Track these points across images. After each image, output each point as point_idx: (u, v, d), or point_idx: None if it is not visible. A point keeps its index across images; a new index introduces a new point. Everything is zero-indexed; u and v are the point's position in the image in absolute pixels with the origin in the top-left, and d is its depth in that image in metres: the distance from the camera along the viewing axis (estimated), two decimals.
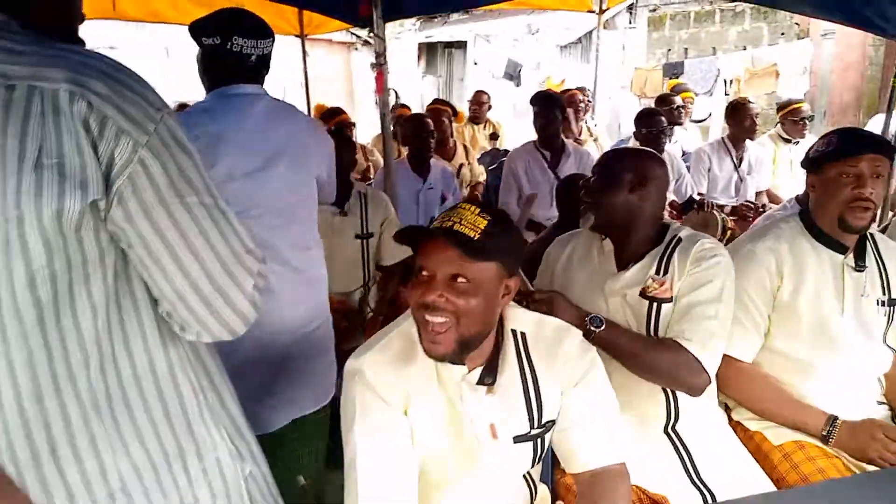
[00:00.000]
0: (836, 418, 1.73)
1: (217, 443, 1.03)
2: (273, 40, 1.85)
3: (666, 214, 4.06)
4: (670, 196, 4.06)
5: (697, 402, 1.67)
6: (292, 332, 1.88)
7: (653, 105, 5.04)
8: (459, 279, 1.20)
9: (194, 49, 1.85)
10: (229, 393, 1.10)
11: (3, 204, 0.78)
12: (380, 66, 3.03)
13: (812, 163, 1.82)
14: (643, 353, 1.56)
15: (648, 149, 2.14)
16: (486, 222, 1.21)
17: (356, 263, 2.96)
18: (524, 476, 1.38)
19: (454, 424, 1.29)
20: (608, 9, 6.30)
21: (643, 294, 1.66)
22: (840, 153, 1.73)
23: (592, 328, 1.52)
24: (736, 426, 1.85)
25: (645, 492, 1.63)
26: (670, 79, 6.83)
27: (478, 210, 1.23)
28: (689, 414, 1.69)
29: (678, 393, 1.67)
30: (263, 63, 1.84)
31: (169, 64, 9.62)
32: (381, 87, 3.08)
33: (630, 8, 10.37)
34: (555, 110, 3.81)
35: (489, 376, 1.30)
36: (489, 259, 1.21)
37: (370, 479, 1.20)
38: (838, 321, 1.76)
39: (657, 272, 1.67)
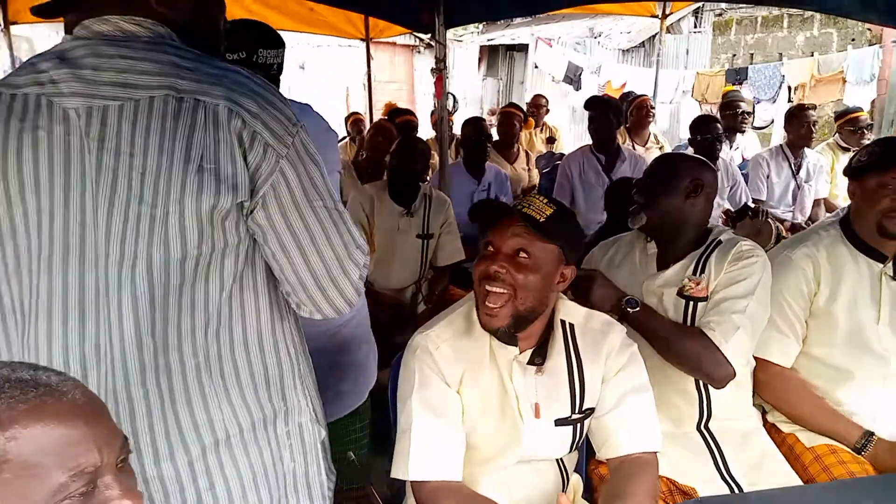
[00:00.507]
0: (871, 434, 1.76)
1: (303, 408, 1.18)
2: (284, 48, 1.95)
3: (720, 221, 4.09)
4: (725, 203, 4.06)
5: (730, 402, 1.74)
6: (330, 327, 2.00)
7: (716, 111, 5.02)
8: (522, 254, 1.33)
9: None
10: (309, 366, 1.26)
11: (168, 197, 0.96)
12: (439, 71, 3.17)
13: (854, 171, 1.85)
14: (672, 337, 1.64)
15: (701, 157, 2.19)
16: (552, 210, 1.34)
17: (415, 262, 3.10)
18: (557, 462, 1.48)
19: (501, 401, 1.40)
20: (671, 13, 6.29)
21: (680, 293, 1.74)
22: (881, 163, 1.76)
23: (628, 308, 1.62)
24: (770, 428, 1.90)
25: (675, 483, 1.71)
26: (731, 84, 6.75)
27: (546, 199, 1.36)
28: (722, 413, 1.76)
29: (711, 393, 1.74)
30: (280, 71, 1.96)
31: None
32: (440, 92, 3.21)
33: (696, 12, 10.24)
34: (609, 114, 3.88)
35: (539, 357, 1.42)
36: (551, 240, 1.34)
37: (422, 447, 1.32)
38: (874, 329, 1.79)
39: (694, 272, 1.74)
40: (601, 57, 10.42)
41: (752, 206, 4.00)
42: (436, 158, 4.96)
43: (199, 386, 1.05)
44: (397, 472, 1.34)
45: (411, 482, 1.34)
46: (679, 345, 1.63)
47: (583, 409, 1.44)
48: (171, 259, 0.99)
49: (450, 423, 1.36)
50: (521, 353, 1.41)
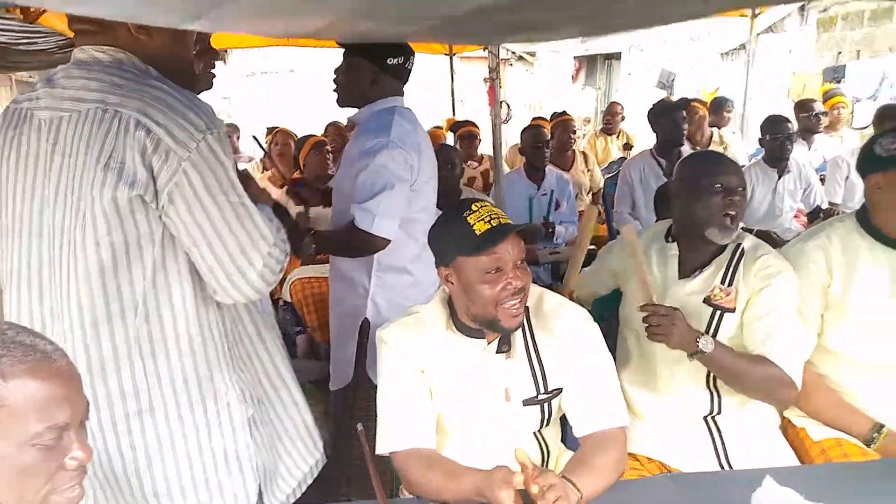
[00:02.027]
0: (882, 426, 1.73)
1: (229, 389, 1.39)
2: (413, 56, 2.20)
3: (797, 222, 3.96)
4: (798, 205, 3.93)
5: (742, 397, 1.76)
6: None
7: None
8: (521, 262, 1.44)
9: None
10: (266, 351, 1.49)
11: (81, 189, 1.21)
12: (491, 80, 3.30)
13: (880, 162, 1.78)
14: (745, 371, 1.64)
15: (729, 157, 2.15)
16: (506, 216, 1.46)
17: None
18: (536, 435, 1.58)
19: (471, 386, 1.52)
20: (760, 13, 6.08)
21: (707, 301, 1.76)
22: None
23: (703, 350, 1.59)
24: (787, 423, 1.89)
25: (665, 466, 1.75)
26: (829, 83, 6.41)
27: (491, 204, 1.47)
28: (732, 408, 1.78)
29: (721, 390, 1.76)
30: (407, 76, 2.22)
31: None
32: (493, 100, 3.34)
33: (801, 10, 9.75)
34: (676, 118, 3.87)
35: (505, 345, 1.52)
36: (531, 241, 1.45)
37: (391, 422, 1.48)
38: (892, 320, 1.75)
39: (722, 282, 1.76)
40: (697, 61, 10.14)
41: (826, 208, 3.87)
42: (506, 167, 5.10)
43: (129, 358, 1.27)
44: (378, 448, 1.49)
45: (388, 454, 1.48)
46: (750, 378, 1.64)
47: (548, 389, 1.53)
48: (90, 242, 1.23)
49: (415, 399, 1.49)
50: (488, 343, 1.52)
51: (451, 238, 1.43)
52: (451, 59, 6.05)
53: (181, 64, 1.40)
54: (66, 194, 1.24)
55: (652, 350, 1.80)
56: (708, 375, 1.76)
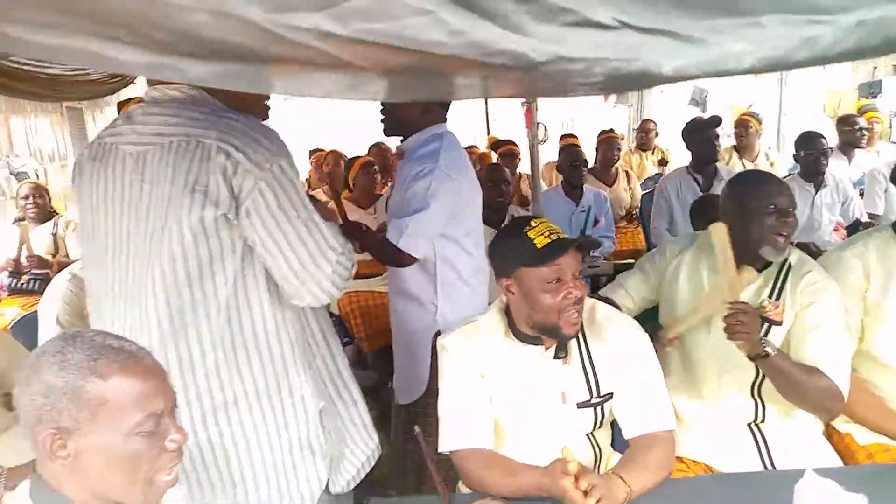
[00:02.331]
0: None
1: (303, 384, 1.53)
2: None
3: (836, 235, 3.98)
4: (837, 218, 3.96)
5: (787, 406, 1.81)
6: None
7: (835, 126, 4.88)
8: (579, 273, 1.55)
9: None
10: (329, 353, 1.64)
11: (169, 212, 1.37)
12: (528, 103, 3.41)
13: None
14: (801, 380, 1.69)
15: (779, 177, 2.16)
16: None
17: None
18: (588, 437, 1.67)
19: (529, 389, 1.61)
20: None
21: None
22: None
23: (769, 350, 1.65)
24: (831, 430, 1.94)
25: (710, 468, 1.82)
26: (864, 98, 6.40)
27: (548, 220, 1.57)
28: (777, 415, 1.84)
29: (766, 398, 1.82)
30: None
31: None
32: (530, 122, 3.45)
33: None
34: (709, 135, 3.94)
35: (562, 351, 1.62)
36: (585, 254, 1.55)
37: (451, 423, 1.58)
38: None
39: (770, 295, 1.83)
40: (730, 77, 10.14)
41: (865, 220, 3.88)
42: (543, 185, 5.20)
43: (214, 357, 1.42)
44: (440, 447, 1.60)
45: (449, 452, 1.59)
46: (804, 387, 1.69)
47: (601, 393, 1.62)
48: (178, 257, 1.38)
49: (474, 403, 1.59)
50: (546, 349, 1.62)
51: (513, 251, 1.54)
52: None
53: (244, 97, 1.55)
54: (154, 216, 1.40)
55: (696, 358, 1.87)
56: (753, 384, 1.82)
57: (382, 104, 2.30)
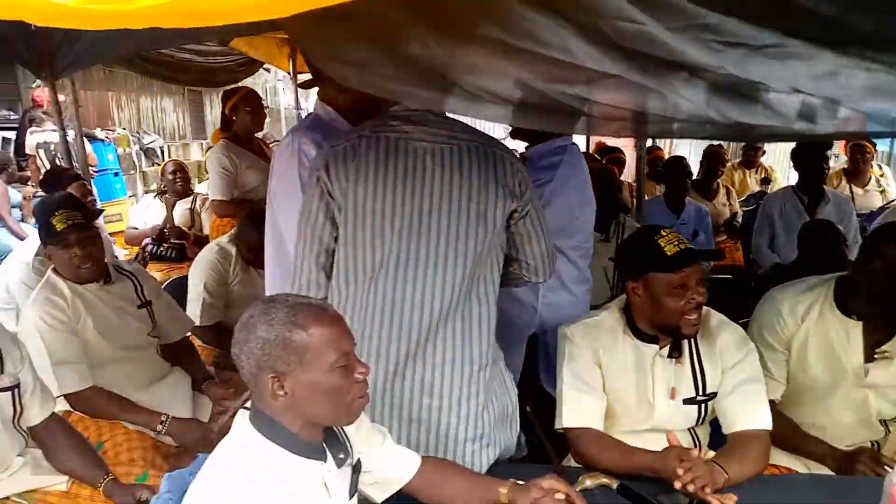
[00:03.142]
0: None
1: (501, 358, 1.80)
2: None
3: None
4: None
5: None
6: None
7: None
8: (700, 280, 1.72)
9: None
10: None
11: (469, 201, 1.65)
12: None
13: None
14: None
15: None
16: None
17: (605, 282, 3.49)
18: (690, 431, 1.84)
19: (641, 383, 1.81)
20: None
21: None
22: None
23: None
24: None
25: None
26: None
27: (676, 231, 1.76)
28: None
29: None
30: None
31: None
32: None
33: None
34: (819, 158, 3.95)
35: (676, 351, 1.80)
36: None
37: (570, 403, 1.78)
38: None
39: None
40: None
41: None
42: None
43: (457, 326, 1.69)
44: (556, 423, 1.81)
45: (563, 429, 1.79)
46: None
47: (706, 392, 1.79)
48: (471, 241, 1.67)
49: (591, 387, 1.79)
50: (661, 347, 1.80)
51: (642, 257, 1.73)
52: None
53: None
54: (456, 203, 1.65)
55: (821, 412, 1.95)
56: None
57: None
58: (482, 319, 1.71)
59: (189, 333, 2.88)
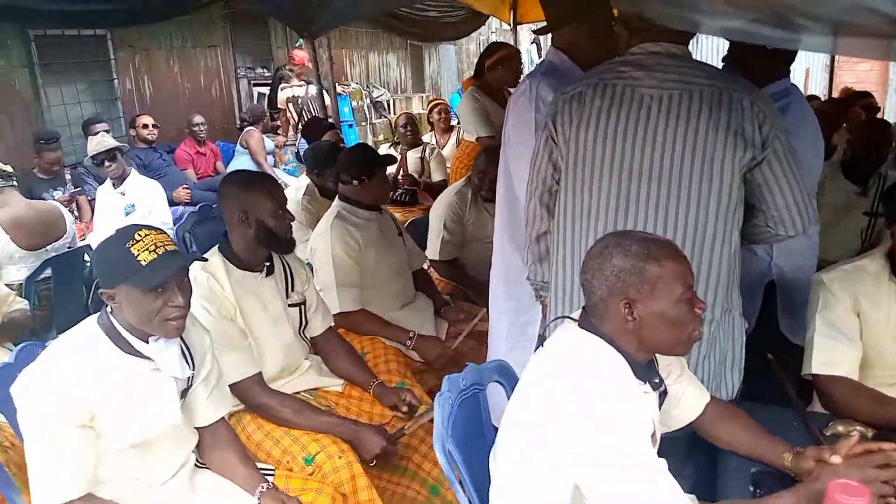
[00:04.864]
0: None
1: (735, 305, 1.75)
2: None
3: None
4: None
5: None
6: None
7: None
8: None
9: None
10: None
11: (703, 147, 1.59)
12: None
13: None
14: None
15: None
16: None
17: (857, 237, 3.24)
18: None
19: None
20: None
21: None
22: None
23: None
24: None
25: None
26: None
27: None
28: None
29: None
30: None
31: None
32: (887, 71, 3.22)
33: None
34: None
35: None
36: None
37: (823, 349, 1.74)
38: None
39: None
40: None
41: None
42: None
43: (716, 277, 1.67)
44: (804, 369, 1.78)
45: (813, 375, 1.76)
46: None
47: None
48: (704, 188, 1.62)
49: (846, 335, 1.73)
50: None
51: None
52: None
53: None
54: (674, 151, 1.61)
55: None
56: None
57: (729, 52, 2.32)
58: (712, 271, 1.67)
59: (428, 266, 3.20)
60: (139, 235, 1.53)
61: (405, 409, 2.23)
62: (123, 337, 1.59)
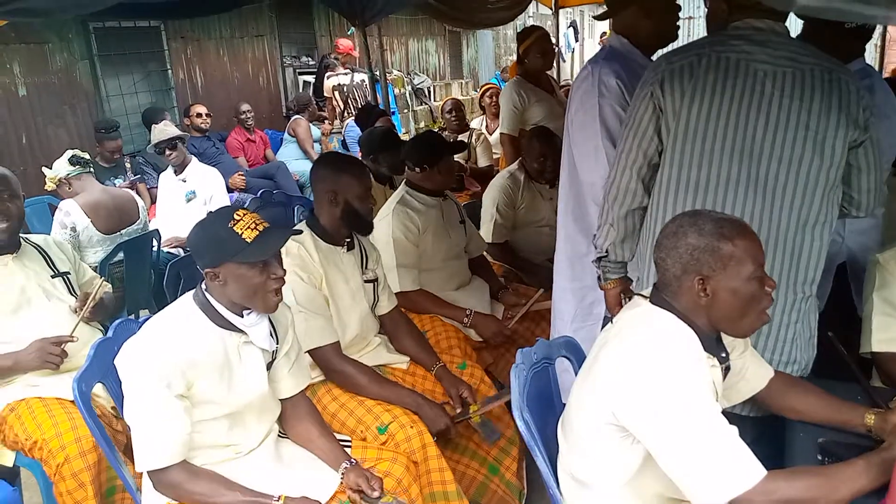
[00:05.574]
0: None
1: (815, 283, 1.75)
2: None
3: None
4: None
5: None
6: None
7: None
8: None
9: None
10: None
11: (815, 126, 1.61)
12: None
13: None
14: None
15: None
16: None
17: None
18: None
19: None
20: None
21: None
22: None
23: None
24: None
25: None
26: None
27: None
28: None
29: None
30: None
31: None
32: None
33: None
34: None
35: None
36: None
37: (878, 322, 1.79)
38: None
39: None
40: None
41: None
42: None
43: (797, 259, 1.69)
44: (862, 347, 1.82)
45: (872, 353, 1.80)
46: None
47: None
48: (815, 166, 1.63)
49: None
50: None
51: None
52: None
53: None
54: (786, 130, 1.61)
55: None
56: None
57: (805, 31, 2.29)
58: (812, 250, 1.68)
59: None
60: (238, 216, 1.63)
61: (459, 408, 2.28)
62: (219, 312, 1.69)
